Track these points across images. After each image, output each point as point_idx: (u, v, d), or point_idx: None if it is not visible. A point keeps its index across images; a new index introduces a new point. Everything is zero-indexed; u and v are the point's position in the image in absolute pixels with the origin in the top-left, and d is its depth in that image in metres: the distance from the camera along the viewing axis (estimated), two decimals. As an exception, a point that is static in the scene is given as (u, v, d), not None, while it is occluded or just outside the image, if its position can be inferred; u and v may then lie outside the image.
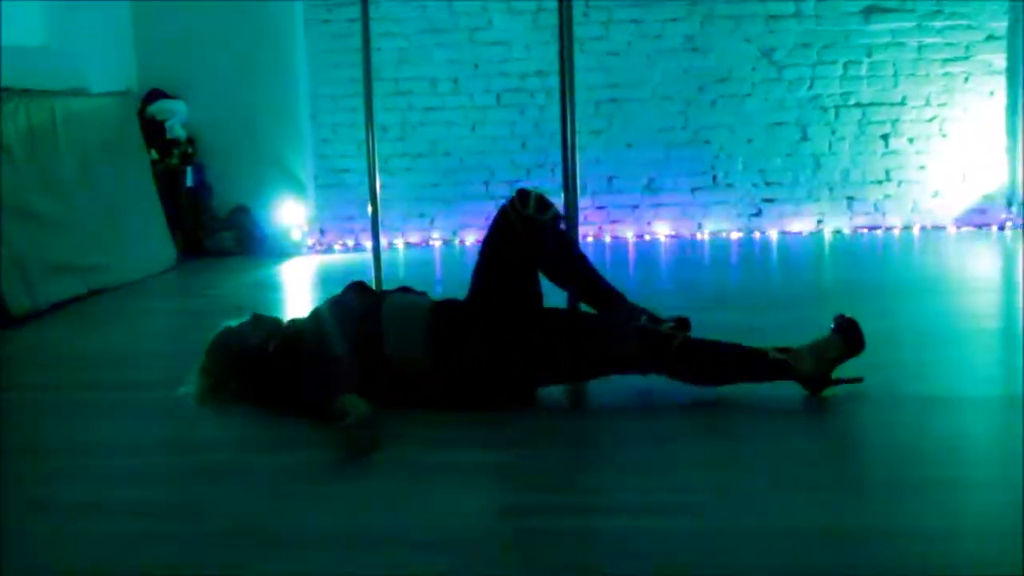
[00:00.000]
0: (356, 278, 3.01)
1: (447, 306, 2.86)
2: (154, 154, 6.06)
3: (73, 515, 2.12)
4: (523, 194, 2.82)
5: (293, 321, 2.94)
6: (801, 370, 2.69)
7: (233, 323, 2.86)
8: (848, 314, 2.71)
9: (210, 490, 2.23)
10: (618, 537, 1.86)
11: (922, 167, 6.56)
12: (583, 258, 2.92)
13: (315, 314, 2.86)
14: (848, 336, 2.66)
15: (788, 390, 2.71)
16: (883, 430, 2.47)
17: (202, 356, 2.80)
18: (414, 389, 2.72)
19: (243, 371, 2.76)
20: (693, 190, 6.64)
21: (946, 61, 6.49)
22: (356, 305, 2.84)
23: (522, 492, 2.14)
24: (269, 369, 2.72)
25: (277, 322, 2.95)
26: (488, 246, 2.86)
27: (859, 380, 2.71)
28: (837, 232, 6.56)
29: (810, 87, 6.54)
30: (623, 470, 2.26)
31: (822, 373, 2.69)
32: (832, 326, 2.70)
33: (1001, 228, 6.40)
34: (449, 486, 2.19)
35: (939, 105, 6.52)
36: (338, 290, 2.96)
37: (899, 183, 6.58)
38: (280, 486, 2.24)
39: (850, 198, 6.61)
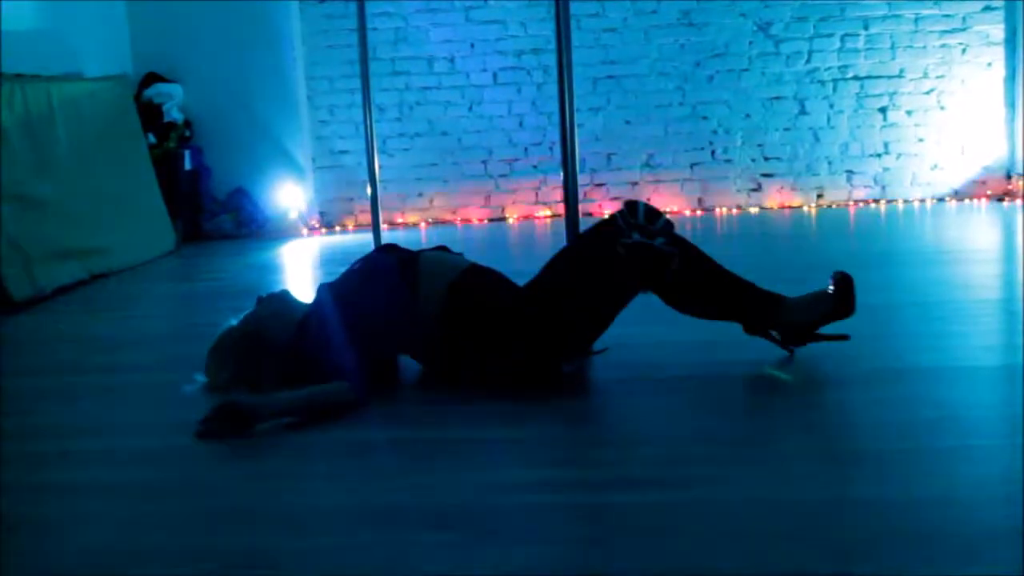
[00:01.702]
0: (355, 260, 2.97)
1: (482, 273, 2.77)
2: (151, 138, 6.05)
3: (80, 496, 2.12)
4: (631, 204, 2.70)
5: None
6: (789, 319, 2.70)
7: (235, 321, 2.80)
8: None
9: (218, 470, 2.24)
10: (628, 511, 1.87)
11: (921, 140, 6.56)
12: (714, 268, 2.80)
13: (316, 299, 2.79)
14: (841, 295, 2.67)
15: (790, 364, 2.72)
16: (885, 401, 2.48)
17: (217, 354, 2.74)
18: (438, 344, 2.68)
19: (265, 362, 2.72)
20: (692, 166, 6.64)
21: (943, 33, 6.47)
22: (391, 262, 2.73)
23: (532, 467, 2.14)
24: (290, 358, 2.69)
25: (291, 305, 2.85)
26: (587, 258, 2.69)
27: (845, 338, 2.71)
28: (837, 206, 6.56)
29: (807, 61, 6.53)
30: (631, 445, 2.26)
31: (809, 324, 2.70)
32: (830, 282, 2.70)
33: (1000, 200, 6.40)
34: (458, 462, 2.19)
35: (937, 77, 6.50)
36: (338, 271, 2.92)
37: (898, 156, 6.58)
38: (287, 464, 2.25)
39: (849, 172, 6.61)
